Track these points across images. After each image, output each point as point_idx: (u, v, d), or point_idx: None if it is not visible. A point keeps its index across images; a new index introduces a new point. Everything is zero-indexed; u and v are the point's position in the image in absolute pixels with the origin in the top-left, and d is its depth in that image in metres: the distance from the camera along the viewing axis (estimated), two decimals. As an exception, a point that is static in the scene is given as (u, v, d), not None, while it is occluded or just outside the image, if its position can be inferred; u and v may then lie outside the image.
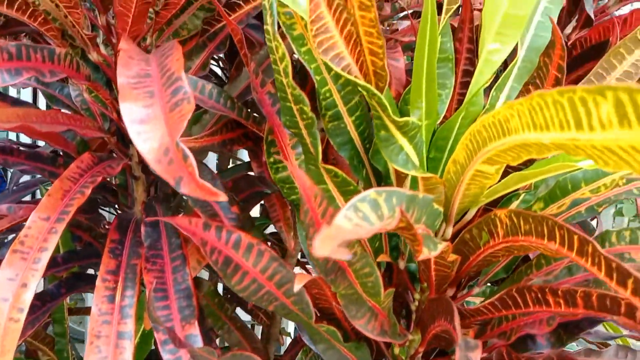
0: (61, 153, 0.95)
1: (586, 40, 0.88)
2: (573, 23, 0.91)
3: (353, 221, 0.37)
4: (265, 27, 0.49)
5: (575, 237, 0.41)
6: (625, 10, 1.02)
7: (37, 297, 0.88)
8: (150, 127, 0.46)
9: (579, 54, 0.87)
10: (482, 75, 0.58)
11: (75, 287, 0.92)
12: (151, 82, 0.52)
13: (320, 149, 0.53)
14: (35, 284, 0.65)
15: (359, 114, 0.61)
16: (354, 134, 0.61)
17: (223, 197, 0.39)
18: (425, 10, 0.54)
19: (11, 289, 0.63)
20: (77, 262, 0.91)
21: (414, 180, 0.61)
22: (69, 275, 0.92)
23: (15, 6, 0.75)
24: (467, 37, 0.64)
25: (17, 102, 0.94)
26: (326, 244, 0.29)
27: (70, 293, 0.91)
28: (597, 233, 0.91)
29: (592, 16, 0.82)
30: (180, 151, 0.42)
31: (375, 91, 0.46)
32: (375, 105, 0.49)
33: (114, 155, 0.90)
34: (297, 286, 0.46)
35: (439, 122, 0.64)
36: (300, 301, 0.61)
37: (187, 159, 0.41)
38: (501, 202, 0.65)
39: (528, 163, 0.61)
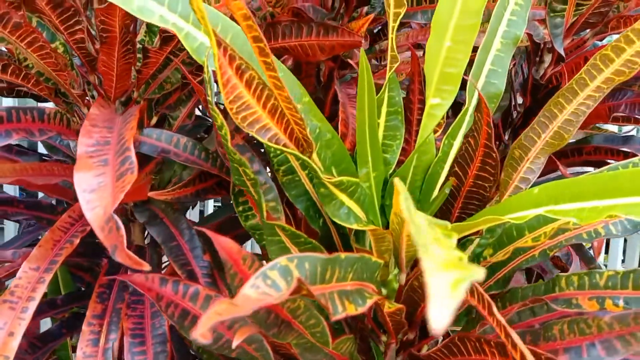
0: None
1: (560, 75, 0.89)
2: (550, 57, 0.92)
3: (260, 289, 0.40)
4: (207, 97, 0.53)
5: (485, 298, 0.43)
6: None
7: (40, 337, 0.93)
8: (98, 195, 0.50)
9: (551, 88, 0.88)
10: (426, 128, 0.60)
11: (76, 327, 0.96)
12: (108, 150, 0.57)
13: (264, 205, 0.56)
14: (22, 332, 0.69)
15: (312, 167, 0.63)
16: (309, 186, 0.64)
17: (147, 267, 0.42)
18: (361, 71, 0.56)
19: (-1, 338, 0.68)
20: (76, 304, 0.96)
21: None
22: (70, 316, 0.97)
23: (9, 71, 0.81)
24: (417, 89, 0.66)
25: (21, 153, 1.01)
26: (207, 321, 0.32)
27: (72, 333, 0.96)
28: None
29: (563, 54, 0.83)
30: (114, 222, 0.46)
31: (303, 156, 0.49)
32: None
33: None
34: (236, 342, 0.49)
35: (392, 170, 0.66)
36: (261, 348, 0.63)
37: (119, 230, 0.45)
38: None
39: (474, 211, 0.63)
